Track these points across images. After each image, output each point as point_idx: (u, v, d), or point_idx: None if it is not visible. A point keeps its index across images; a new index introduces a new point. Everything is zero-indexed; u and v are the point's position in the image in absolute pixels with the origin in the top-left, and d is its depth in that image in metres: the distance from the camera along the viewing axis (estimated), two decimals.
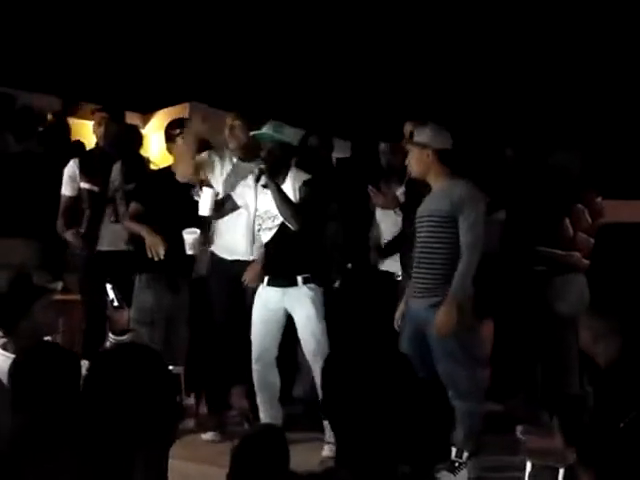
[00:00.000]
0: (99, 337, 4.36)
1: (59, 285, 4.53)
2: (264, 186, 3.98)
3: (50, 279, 4.50)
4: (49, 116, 5.68)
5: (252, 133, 4.21)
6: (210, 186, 4.18)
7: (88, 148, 5.39)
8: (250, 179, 4.16)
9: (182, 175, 4.31)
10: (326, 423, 3.99)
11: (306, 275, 4.04)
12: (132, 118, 6.29)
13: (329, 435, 3.88)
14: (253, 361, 4.14)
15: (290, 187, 4.08)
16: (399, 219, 4.54)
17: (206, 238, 4.34)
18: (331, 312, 4.17)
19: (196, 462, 3.74)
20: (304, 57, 7.98)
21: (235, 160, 4.37)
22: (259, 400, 4.15)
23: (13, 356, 2.57)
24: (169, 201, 4.28)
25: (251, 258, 4.32)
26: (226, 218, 4.30)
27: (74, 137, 6.12)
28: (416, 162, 3.82)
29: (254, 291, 4.30)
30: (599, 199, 4.56)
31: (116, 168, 4.64)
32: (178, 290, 4.32)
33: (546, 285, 4.43)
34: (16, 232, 4.79)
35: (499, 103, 7.51)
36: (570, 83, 7.58)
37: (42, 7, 6.79)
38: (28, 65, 6.42)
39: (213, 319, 4.37)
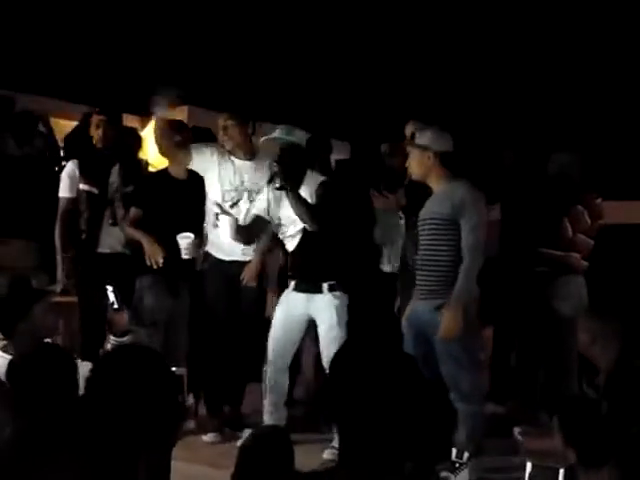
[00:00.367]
0: (97, 339, 4.37)
1: (58, 287, 4.55)
2: (278, 188, 3.98)
3: (49, 281, 4.52)
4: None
5: (263, 138, 4.25)
6: (226, 213, 4.23)
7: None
8: (269, 191, 4.22)
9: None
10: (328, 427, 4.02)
11: (332, 282, 4.06)
12: (131, 121, 6.29)
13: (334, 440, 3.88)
14: (267, 363, 4.15)
15: (307, 189, 4.09)
16: (401, 221, 4.54)
17: (201, 240, 4.35)
18: None
19: (197, 463, 3.74)
20: (302, 59, 7.99)
21: (234, 159, 4.35)
22: (266, 401, 4.15)
23: None
24: (167, 203, 4.28)
25: (248, 259, 4.32)
26: (222, 219, 4.30)
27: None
28: (417, 164, 3.83)
29: (251, 291, 4.31)
30: (599, 200, 4.57)
31: (115, 171, 4.63)
32: (178, 292, 4.32)
33: (545, 286, 4.44)
34: (15, 234, 4.78)
35: (498, 105, 7.52)
36: (569, 84, 7.59)
37: (40, 10, 6.79)
38: (26, 68, 6.42)
39: (210, 320, 4.37)
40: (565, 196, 4.50)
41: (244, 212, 4.32)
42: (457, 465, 3.67)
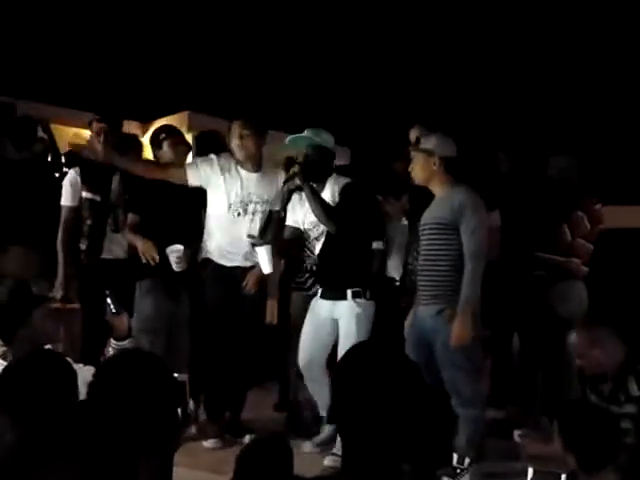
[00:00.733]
0: (97, 344, 4.38)
1: (58, 294, 4.55)
2: (295, 188, 4.00)
3: (49, 288, 4.52)
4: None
5: (290, 137, 4.25)
6: (262, 244, 4.18)
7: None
8: (295, 195, 4.26)
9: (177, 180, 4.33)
10: (330, 433, 4.02)
11: (356, 289, 4.05)
12: (132, 127, 6.31)
13: (337, 447, 3.88)
14: (302, 370, 4.16)
15: (329, 192, 4.11)
16: (405, 226, 4.55)
17: (196, 248, 4.36)
18: None
19: (198, 469, 3.73)
20: (303, 64, 8.01)
21: (241, 170, 4.32)
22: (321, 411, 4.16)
23: None
24: (164, 209, 4.29)
25: (249, 264, 4.32)
26: (224, 225, 4.30)
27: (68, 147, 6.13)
28: (421, 169, 3.83)
29: (252, 297, 4.30)
30: (598, 206, 4.57)
31: (116, 178, 4.64)
32: (178, 297, 4.33)
33: (545, 291, 4.44)
34: (14, 240, 4.78)
35: (496, 108, 7.53)
36: (568, 88, 7.60)
37: (41, 17, 6.81)
38: (27, 74, 6.43)
39: (211, 326, 4.35)
40: (564, 201, 4.50)
41: (249, 224, 4.31)
42: (458, 470, 3.67)
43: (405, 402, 1.54)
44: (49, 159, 5.21)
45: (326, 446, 4.03)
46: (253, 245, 4.21)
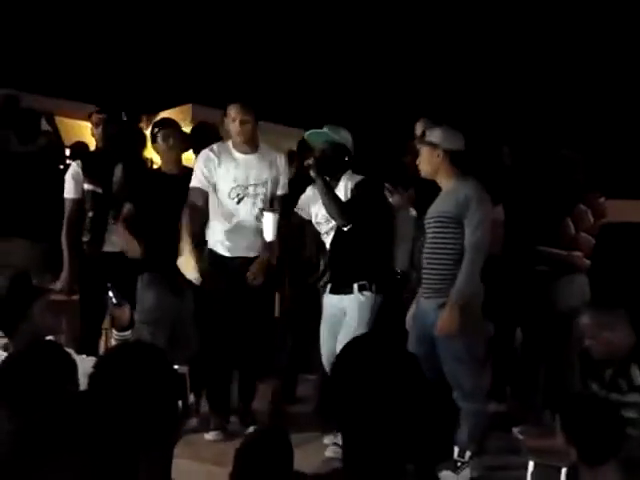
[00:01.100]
0: (94, 334, 4.50)
1: (58, 285, 4.56)
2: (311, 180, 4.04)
3: (54, 280, 4.54)
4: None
5: (308, 132, 4.27)
6: (271, 210, 4.19)
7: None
8: (309, 189, 4.27)
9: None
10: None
11: (362, 282, 4.07)
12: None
13: (334, 437, 3.89)
14: (324, 366, 4.15)
15: (343, 188, 4.14)
16: (413, 217, 4.54)
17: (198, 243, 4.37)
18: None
19: (199, 461, 3.75)
20: (304, 58, 8.00)
21: (237, 155, 4.32)
22: None
23: None
24: (162, 201, 4.29)
25: (252, 255, 4.30)
26: (225, 212, 4.28)
27: (73, 139, 6.13)
28: (426, 162, 3.83)
29: (256, 288, 4.28)
30: (602, 199, 4.56)
31: (118, 169, 4.64)
32: (180, 289, 4.31)
33: (548, 284, 4.43)
34: (17, 232, 4.79)
35: (500, 103, 7.52)
36: (572, 83, 7.58)
37: (47, 10, 6.81)
38: (31, 67, 6.44)
39: (213, 317, 4.34)
40: (568, 195, 4.49)
41: (250, 207, 4.30)
42: (459, 464, 3.67)
43: (404, 395, 1.53)
44: (53, 152, 5.23)
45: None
46: (262, 210, 4.22)
